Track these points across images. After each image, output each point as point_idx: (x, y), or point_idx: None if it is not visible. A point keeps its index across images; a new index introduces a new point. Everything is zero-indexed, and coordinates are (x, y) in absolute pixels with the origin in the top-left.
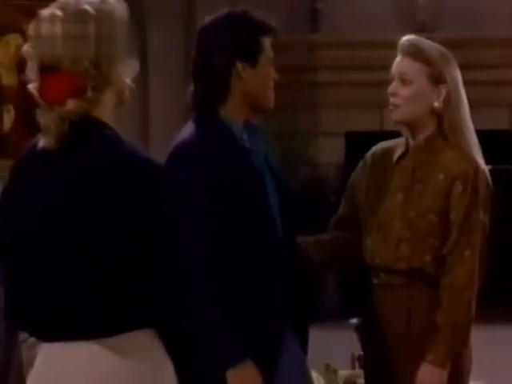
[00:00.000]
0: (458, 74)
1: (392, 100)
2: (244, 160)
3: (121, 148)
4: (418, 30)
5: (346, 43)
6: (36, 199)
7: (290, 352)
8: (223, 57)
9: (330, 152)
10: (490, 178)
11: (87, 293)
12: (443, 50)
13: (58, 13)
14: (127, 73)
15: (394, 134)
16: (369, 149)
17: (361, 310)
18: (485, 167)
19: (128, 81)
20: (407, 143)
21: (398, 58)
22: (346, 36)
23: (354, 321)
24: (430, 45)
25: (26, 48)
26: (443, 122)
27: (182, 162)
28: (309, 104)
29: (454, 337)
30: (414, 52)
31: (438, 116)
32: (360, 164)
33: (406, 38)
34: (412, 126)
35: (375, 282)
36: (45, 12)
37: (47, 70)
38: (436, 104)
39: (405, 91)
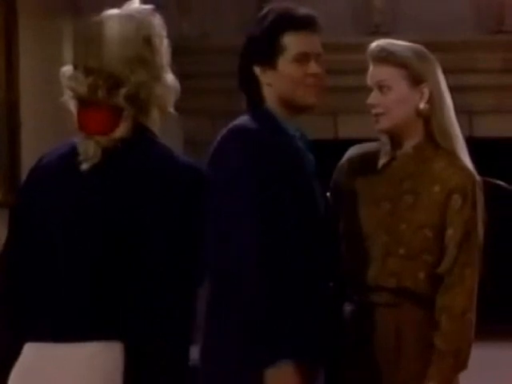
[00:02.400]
0: (438, 73)
1: (374, 111)
2: (297, 158)
3: (168, 157)
4: (372, 33)
5: None
6: (64, 209)
7: None
8: (243, 64)
9: None
10: (481, 185)
11: (97, 298)
12: (419, 48)
13: (94, 42)
14: (170, 97)
15: (349, 142)
16: (322, 158)
17: (341, 329)
18: (477, 175)
19: (169, 105)
20: (393, 150)
21: (371, 67)
22: None
23: None
24: (402, 45)
25: (62, 72)
26: (431, 125)
27: (236, 146)
28: None
29: (456, 362)
30: (385, 57)
31: (424, 119)
32: (336, 171)
33: (376, 44)
34: (399, 133)
35: (356, 299)
36: (79, 39)
37: (83, 100)
38: (421, 106)
39: (386, 99)
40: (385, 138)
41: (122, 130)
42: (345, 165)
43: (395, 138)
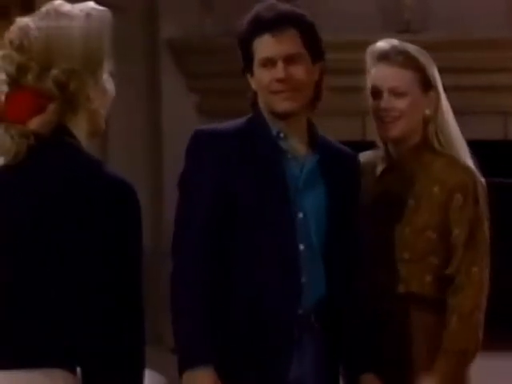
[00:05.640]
0: (437, 73)
1: (387, 115)
2: (265, 153)
3: (90, 163)
4: (402, 31)
5: (324, 44)
6: None
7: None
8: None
9: None
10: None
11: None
12: (420, 49)
13: (34, 24)
14: (102, 100)
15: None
16: None
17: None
18: (478, 173)
19: (102, 110)
20: (389, 155)
21: (384, 68)
22: (324, 37)
23: None
24: (414, 49)
25: None
26: (429, 130)
27: (187, 149)
28: None
29: (459, 362)
30: (403, 61)
31: (424, 123)
32: None
33: (390, 45)
34: (402, 138)
35: (372, 307)
36: (20, 21)
37: (14, 84)
38: (427, 111)
39: (400, 104)
40: (380, 145)
41: (39, 122)
42: None
43: (395, 143)
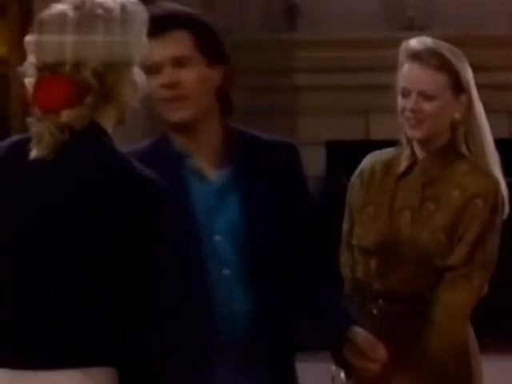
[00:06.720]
0: (471, 75)
1: (413, 117)
2: (165, 175)
3: (120, 162)
4: (406, 28)
5: (327, 42)
6: (23, 211)
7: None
8: None
9: (309, 163)
10: (506, 192)
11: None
12: (455, 49)
13: (70, 12)
14: (133, 93)
15: (382, 144)
16: (353, 160)
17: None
18: (503, 181)
19: (132, 103)
20: (413, 155)
21: (416, 69)
22: (327, 34)
23: None
24: (449, 50)
25: (28, 39)
26: (457, 133)
27: None
28: (286, 110)
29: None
30: (436, 63)
31: (452, 126)
32: (356, 180)
33: (424, 45)
34: (429, 139)
35: (374, 311)
36: (56, 8)
37: (46, 71)
38: (457, 115)
39: (428, 107)
40: (405, 143)
41: (73, 115)
42: (364, 174)
43: (420, 144)
